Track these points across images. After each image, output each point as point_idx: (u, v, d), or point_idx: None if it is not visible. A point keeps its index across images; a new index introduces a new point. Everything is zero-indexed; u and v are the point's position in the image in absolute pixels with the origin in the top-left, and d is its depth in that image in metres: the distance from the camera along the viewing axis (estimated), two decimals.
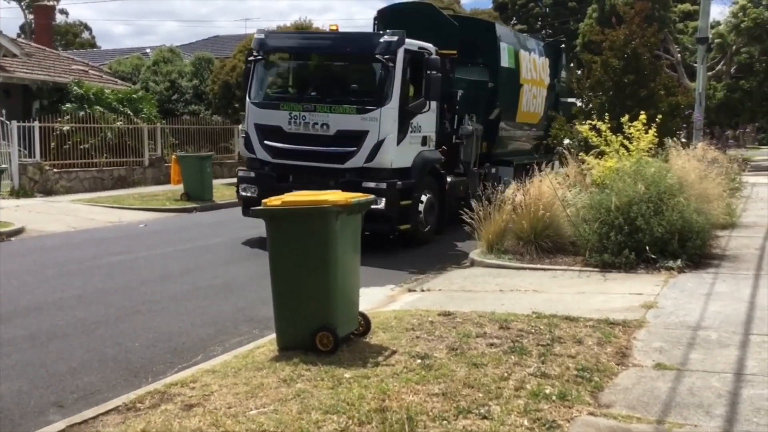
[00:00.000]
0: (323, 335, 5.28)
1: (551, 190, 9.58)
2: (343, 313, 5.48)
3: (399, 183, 10.44)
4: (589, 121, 11.30)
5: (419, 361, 5.15)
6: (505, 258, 9.24)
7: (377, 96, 10.59)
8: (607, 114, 11.26)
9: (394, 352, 5.37)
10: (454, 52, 12.23)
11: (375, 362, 5.14)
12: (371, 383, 4.69)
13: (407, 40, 10.52)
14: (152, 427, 4.06)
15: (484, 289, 7.90)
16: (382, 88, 10.57)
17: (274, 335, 5.64)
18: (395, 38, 10.41)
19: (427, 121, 11.36)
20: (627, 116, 10.66)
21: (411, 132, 10.88)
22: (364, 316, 5.88)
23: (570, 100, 17.50)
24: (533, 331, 5.88)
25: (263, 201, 5.55)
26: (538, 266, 8.87)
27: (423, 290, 8.09)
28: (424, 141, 11.38)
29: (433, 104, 11.34)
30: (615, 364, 5.11)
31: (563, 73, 17.61)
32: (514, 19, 42.63)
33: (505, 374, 4.84)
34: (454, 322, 6.22)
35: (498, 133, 14.07)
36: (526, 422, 4.05)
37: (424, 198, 11.10)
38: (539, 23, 43.08)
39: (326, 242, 5.27)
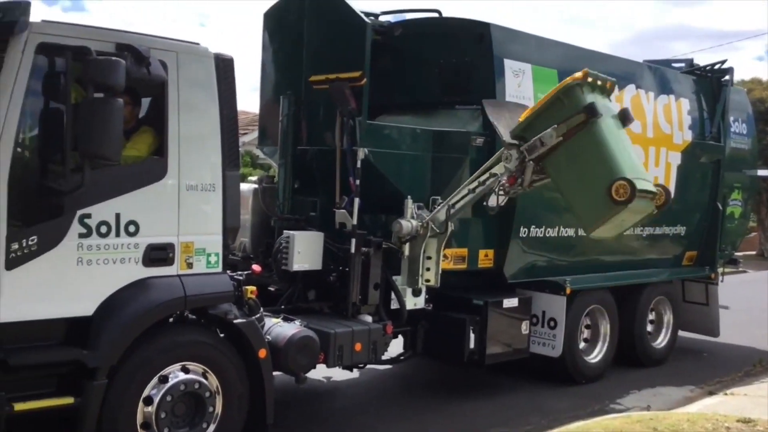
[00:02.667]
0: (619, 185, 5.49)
1: None
2: None
3: None
4: None
5: None
6: None
7: None
8: None
9: None
10: (357, 74, 6.31)
11: None
12: None
13: (46, 24, 4.48)
14: None
15: None
16: None
17: None
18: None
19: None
20: None
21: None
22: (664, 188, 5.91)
23: (758, 172, 10.84)
24: None
25: None
26: None
27: (725, 394, 7.64)
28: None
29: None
30: None
31: (736, 126, 9.99)
32: None
33: None
34: (754, 430, 5.84)
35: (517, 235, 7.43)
36: None
37: None
38: None
39: None
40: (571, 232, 7.99)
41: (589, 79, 5.86)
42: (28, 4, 4.32)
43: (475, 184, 6.37)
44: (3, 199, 4.22)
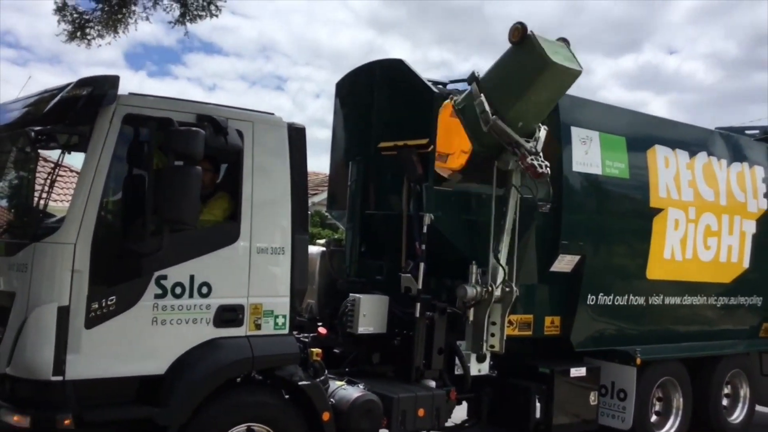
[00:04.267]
0: None
1: None
2: None
3: None
4: None
5: None
6: None
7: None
8: None
9: None
10: (425, 141, 6.49)
11: None
12: None
13: (133, 96, 4.78)
14: None
15: None
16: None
17: None
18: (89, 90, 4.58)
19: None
20: None
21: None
22: None
23: None
24: None
25: None
26: None
27: None
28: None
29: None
30: None
31: None
32: None
33: None
34: None
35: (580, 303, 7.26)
36: None
37: None
38: None
39: None
40: (641, 300, 7.84)
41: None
42: (117, 78, 4.62)
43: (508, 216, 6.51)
44: (87, 260, 4.45)
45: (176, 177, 4.49)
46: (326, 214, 12.10)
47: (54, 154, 5.13)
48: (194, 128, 4.58)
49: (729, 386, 8.97)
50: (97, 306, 4.48)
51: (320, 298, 6.93)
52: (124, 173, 4.75)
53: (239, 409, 4.97)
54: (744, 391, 9.11)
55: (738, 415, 9.02)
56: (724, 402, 8.88)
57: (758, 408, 9.32)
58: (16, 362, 4.36)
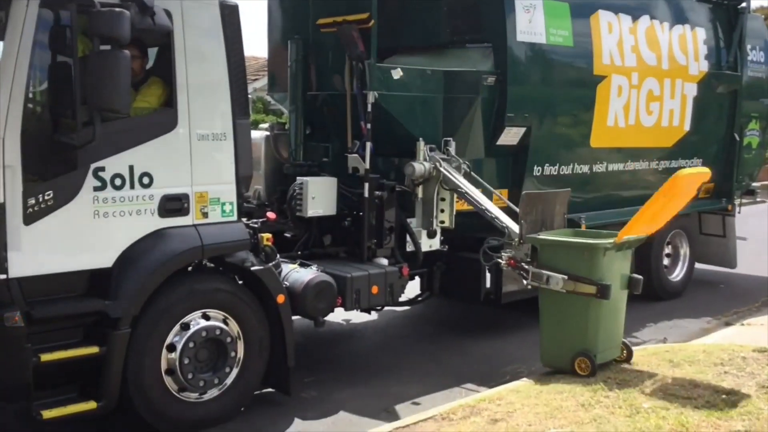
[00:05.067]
0: (581, 360, 5.64)
1: None
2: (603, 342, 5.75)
3: None
4: None
5: (724, 396, 5.08)
6: None
7: None
8: None
9: (696, 385, 5.36)
10: (365, 16, 6.27)
11: (675, 395, 5.18)
12: (670, 414, 4.77)
13: None
14: None
15: None
16: None
17: None
18: None
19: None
20: None
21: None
22: (626, 345, 6.05)
23: None
24: None
25: None
26: None
27: (742, 324, 7.70)
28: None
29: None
30: None
31: (753, 54, 9.71)
32: None
33: None
34: None
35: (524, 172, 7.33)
36: None
37: None
38: None
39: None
40: (585, 168, 7.93)
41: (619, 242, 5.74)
42: None
43: None
44: (17, 155, 4.25)
45: (103, 62, 4.25)
46: (268, 98, 11.82)
47: None
48: (118, 9, 4.30)
49: (670, 246, 9.35)
50: (34, 202, 4.32)
51: (267, 184, 6.83)
52: (48, 62, 4.47)
53: (192, 297, 4.95)
54: (684, 251, 9.51)
55: (678, 274, 9.45)
56: (666, 261, 9.27)
57: (698, 265, 9.77)
58: None
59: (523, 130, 7.20)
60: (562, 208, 6.40)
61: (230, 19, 5.15)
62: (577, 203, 7.93)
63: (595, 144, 7.93)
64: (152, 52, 5.27)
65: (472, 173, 6.60)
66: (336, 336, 7.59)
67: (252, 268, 5.22)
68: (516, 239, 6.01)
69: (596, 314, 5.68)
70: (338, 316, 7.32)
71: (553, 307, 5.85)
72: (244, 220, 5.38)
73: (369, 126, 6.25)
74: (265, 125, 7.34)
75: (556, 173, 7.64)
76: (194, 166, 4.95)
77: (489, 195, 6.65)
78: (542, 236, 5.92)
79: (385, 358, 6.94)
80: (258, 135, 6.89)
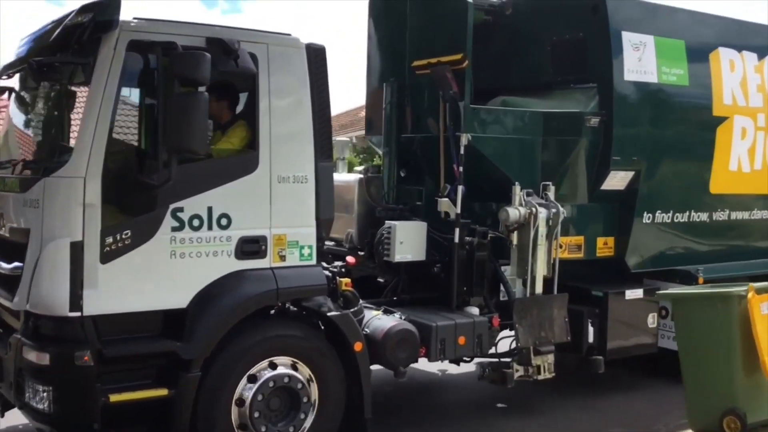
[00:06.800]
0: (730, 419, 5.36)
1: None
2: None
3: None
4: None
5: None
6: None
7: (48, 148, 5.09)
8: None
9: None
10: (459, 56, 6.06)
11: None
12: None
13: (137, 21, 4.51)
14: None
15: None
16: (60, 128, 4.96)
17: None
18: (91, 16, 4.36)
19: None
20: None
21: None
22: None
23: None
24: None
25: None
26: None
27: None
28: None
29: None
30: None
31: None
32: None
33: None
34: None
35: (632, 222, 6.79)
36: None
37: None
38: None
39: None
40: (704, 216, 7.30)
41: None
42: (119, 2, 4.38)
43: None
44: (98, 193, 4.32)
45: (182, 104, 4.27)
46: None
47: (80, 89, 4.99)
48: (198, 51, 4.32)
49: None
50: (111, 240, 4.36)
51: (360, 227, 6.68)
52: (133, 104, 4.56)
53: (261, 343, 4.83)
54: None
55: None
56: None
57: None
58: (34, 299, 4.33)
59: (631, 174, 6.74)
60: (561, 312, 6.16)
61: (316, 62, 5.09)
62: (694, 253, 7.36)
63: (715, 190, 7.31)
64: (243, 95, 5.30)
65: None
66: (424, 388, 7.26)
67: (328, 314, 5.05)
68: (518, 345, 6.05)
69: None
70: (435, 366, 7.01)
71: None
72: (323, 264, 5.25)
73: (461, 169, 6.01)
74: (360, 168, 7.23)
75: (669, 221, 7.07)
76: (273, 208, 4.88)
77: None
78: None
79: (480, 412, 6.56)
80: (352, 178, 6.81)
